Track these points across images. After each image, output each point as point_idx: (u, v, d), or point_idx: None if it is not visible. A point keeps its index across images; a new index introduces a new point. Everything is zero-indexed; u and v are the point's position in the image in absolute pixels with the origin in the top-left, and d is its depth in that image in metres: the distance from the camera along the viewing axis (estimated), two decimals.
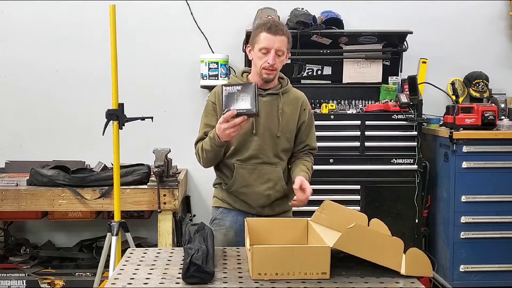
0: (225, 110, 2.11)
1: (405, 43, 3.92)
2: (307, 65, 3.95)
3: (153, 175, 3.38)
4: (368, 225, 1.95)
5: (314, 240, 1.96)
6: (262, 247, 1.74)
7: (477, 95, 4.04)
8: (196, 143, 2.45)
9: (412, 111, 3.66)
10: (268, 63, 2.31)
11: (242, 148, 2.39)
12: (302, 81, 3.97)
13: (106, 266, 3.04)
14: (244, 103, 2.11)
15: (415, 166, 3.67)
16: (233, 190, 2.44)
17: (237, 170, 2.40)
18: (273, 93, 2.42)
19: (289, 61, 3.90)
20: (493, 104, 3.81)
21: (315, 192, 3.64)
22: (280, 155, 2.43)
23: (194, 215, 4.10)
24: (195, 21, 4.06)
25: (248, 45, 2.44)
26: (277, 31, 2.31)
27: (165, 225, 3.39)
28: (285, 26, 2.42)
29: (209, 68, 3.88)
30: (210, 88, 3.96)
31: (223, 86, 2.15)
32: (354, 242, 1.70)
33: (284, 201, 2.50)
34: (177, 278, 1.73)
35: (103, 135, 2.99)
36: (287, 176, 2.49)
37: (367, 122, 3.67)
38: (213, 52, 4.03)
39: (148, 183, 3.43)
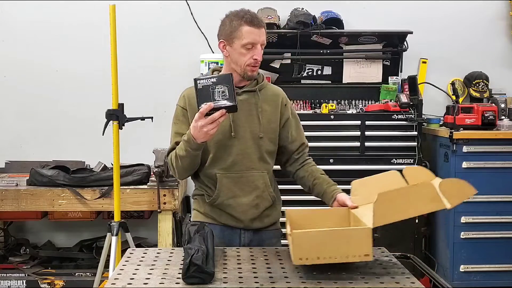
0: (201, 106, 1.90)
1: (405, 43, 3.92)
2: (307, 65, 3.95)
3: (153, 175, 3.38)
4: (403, 176, 1.90)
5: (356, 224, 1.89)
6: (301, 232, 1.70)
7: (477, 95, 4.04)
8: (167, 154, 2.22)
9: (412, 111, 3.66)
10: (255, 59, 2.11)
11: (223, 155, 2.16)
12: (302, 81, 3.97)
13: (106, 266, 3.04)
14: (221, 96, 1.91)
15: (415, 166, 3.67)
16: (218, 203, 2.19)
17: (221, 180, 2.17)
18: (249, 90, 2.20)
19: (288, 61, 3.92)
20: (493, 104, 3.81)
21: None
22: (265, 158, 2.22)
23: None
24: (195, 21, 4.06)
25: (222, 40, 2.17)
26: (259, 23, 2.11)
27: (165, 225, 3.39)
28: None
29: (209, 68, 3.87)
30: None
31: (196, 80, 1.92)
32: (388, 211, 1.65)
33: (273, 211, 2.28)
34: (177, 278, 1.73)
35: (103, 135, 2.99)
36: (275, 183, 2.31)
37: (367, 122, 3.67)
38: (213, 52, 4.02)
39: (148, 183, 3.43)
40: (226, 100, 1.91)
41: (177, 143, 2.15)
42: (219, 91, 1.91)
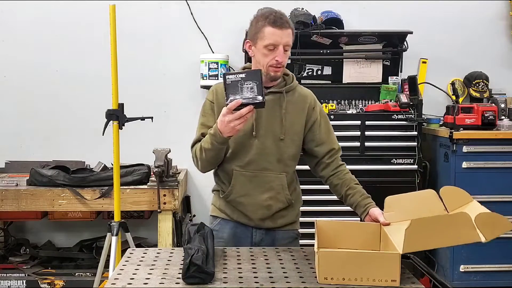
0: (229, 101, 1.91)
1: (405, 43, 3.92)
2: (307, 65, 3.95)
3: (153, 175, 3.38)
4: (440, 196, 1.87)
5: (386, 245, 1.88)
6: (328, 251, 1.69)
7: (477, 95, 4.04)
8: (192, 146, 2.23)
9: (412, 111, 3.66)
10: (277, 60, 2.10)
11: (241, 152, 2.17)
12: (302, 81, 3.96)
13: (106, 266, 3.04)
14: (250, 92, 1.90)
15: (415, 166, 3.67)
16: (230, 199, 2.22)
17: (236, 177, 2.19)
18: (276, 91, 2.19)
19: (289, 61, 3.91)
20: (493, 104, 3.81)
21: (315, 192, 3.66)
22: (284, 160, 2.20)
23: (194, 215, 4.10)
24: (195, 21, 4.06)
25: (248, 40, 2.20)
26: (283, 24, 2.09)
27: (165, 225, 3.39)
28: (287, 17, 2.18)
29: (209, 68, 3.88)
30: (210, 88, 3.96)
31: (225, 75, 1.92)
32: (420, 238, 1.61)
33: (289, 212, 2.26)
34: (177, 278, 1.73)
35: (103, 135, 2.99)
36: (295, 186, 2.29)
37: (367, 122, 3.67)
38: (213, 52, 4.03)
39: (148, 183, 3.43)
40: (254, 96, 1.90)
41: (202, 135, 2.17)
42: (247, 87, 1.91)
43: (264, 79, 2.13)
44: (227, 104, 1.91)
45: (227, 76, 1.92)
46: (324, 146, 2.25)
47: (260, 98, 1.90)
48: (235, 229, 2.24)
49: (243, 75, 1.91)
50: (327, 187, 3.65)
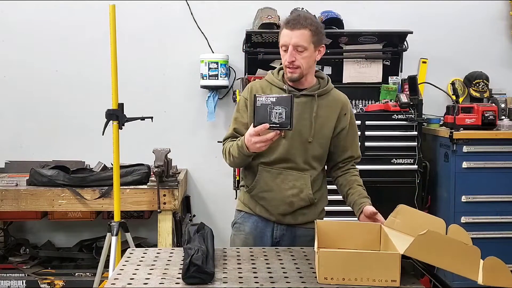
0: (257, 123, 1.95)
1: (405, 43, 3.92)
2: None
3: (153, 175, 3.38)
4: (447, 231, 1.88)
5: (386, 246, 1.88)
6: (328, 251, 1.70)
7: (477, 95, 4.04)
8: (224, 140, 2.32)
9: (412, 111, 3.66)
10: (287, 60, 2.16)
11: (268, 150, 2.18)
12: None
13: (106, 266, 3.04)
14: (278, 117, 1.94)
15: (415, 166, 3.67)
16: (253, 194, 2.28)
17: (261, 173, 2.25)
18: (308, 94, 2.23)
19: None
20: (493, 104, 3.81)
21: None
22: (310, 162, 2.25)
23: (194, 215, 4.10)
24: (195, 21, 4.06)
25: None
26: (295, 25, 2.13)
27: (165, 225, 3.39)
28: (310, 18, 2.18)
29: (209, 68, 3.88)
30: (210, 88, 3.97)
31: (256, 97, 1.95)
32: (426, 249, 1.62)
33: (311, 211, 2.30)
34: (177, 278, 1.73)
35: (103, 135, 2.99)
36: (320, 184, 2.32)
37: (367, 122, 3.67)
38: (213, 52, 4.02)
39: (148, 183, 3.43)
40: (282, 122, 1.94)
41: (235, 130, 2.27)
42: (276, 112, 1.94)
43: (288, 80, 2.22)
44: (254, 125, 1.96)
45: (257, 98, 1.95)
46: (345, 153, 2.33)
47: (287, 125, 1.94)
48: (257, 223, 2.30)
49: (273, 99, 1.94)
50: (328, 187, 3.66)
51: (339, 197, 3.52)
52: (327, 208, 3.51)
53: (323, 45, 2.25)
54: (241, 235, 2.32)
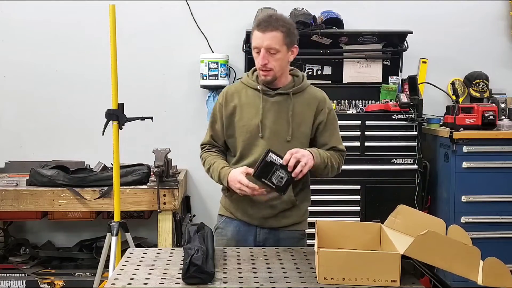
0: (257, 174, 2.02)
1: (405, 43, 3.92)
2: (307, 65, 3.95)
3: (153, 175, 3.38)
4: (446, 232, 1.88)
5: (386, 246, 1.88)
6: (328, 251, 1.69)
7: (477, 95, 4.03)
8: (202, 146, 2.35)
9: (412, 111, 3.66)
10: (260, 63, 2.14)
11: (248, 153, 2.20)
12: None
13: (106, 266, 3.04)
14: (278, 180, 2.01)
15: (415, 166, 3.67)
16: (234, 198, 2.25)
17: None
18: (283, 93, 2.21)
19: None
20: (493, 104, 3.81)
21: (315, 192, 3.64)
22: None
23: (194, 215, 4.10)
24: (195, 21, 4.06)
25: None
26: (266, 27, 2.10)
27: (165, 225, 3.39)
28: (282, 20, 2.16)
29: (209, 68, 3.88)
30: (210, 88, 3.97)
31: (269, 151, 2.01)
32: (426, 249, 1.61)
33: (293, 213, 2.26)
34: (177, 278, 1.72)
35: (103, 135, 2.99)
36: (302, 185, 2.28)
37: (367, 122, 3.67)
38: (213, 52, 4.02)
39: (148, 183, 3.43)
40: (279, 186, 2.02)
41: (212, 137, 2.32)
42: (278, 175, 2.02)
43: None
44: (254, 174, 2.02)
45: (270, 154, 2.02)
46: (327, 146, 2.27)
47: (281, 191, 2.04)
48: (239, 228, 2.27)
49: (282, 162, 2.02)
50: (328, 187, 3.68)
51: (324, 197, 3.56)
52: (323, 209, 3.55)
53: (296, 46, 2.22)
54: (223, 240, 2.28)
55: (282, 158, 2.02)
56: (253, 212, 2.23)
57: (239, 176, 2.09)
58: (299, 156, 2.04)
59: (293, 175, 2.03)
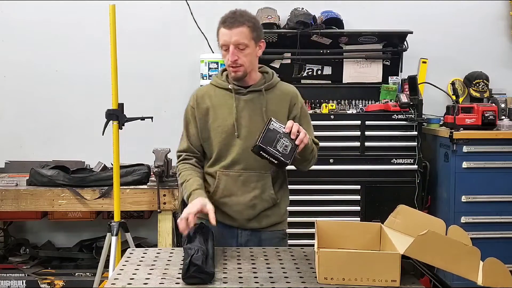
0: (263, 141, 1.94)
1: (405, 43, 3.92)
2: (307, 65, 3.95)
3: (153, 175, 3.38)
4: (446, 232, 1.88)
5: (386, 246, 1.87)
6: (328, 251, 1.69)
7: (477, 95, 4.04)
8: (179, 154, 2.28)
9: (412, 111, 3.66)
10: (230, 60, 2.12)
11: (225, 153, 2.18)
12: (302, 81, 3.97)
13: (106, 266, 3.04)
14: (283, 148, 1.95)
15: (415, 166, 3.67)
16: (214, 200, 2.18)
17: (220, 178, 2.20)
18: (255, 90, 2.20)
19: (288, 61, 3.92)
20: (493, 104, 3.81)
21: (315, 192, 3.65)
22: None
23: None
24: (195, 21, 4.06)
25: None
26: (232, 24, 2.11)
27: (165, 225, 3.39)
28: (247, 15, 2.17)
29: (209, 68, 3.87)
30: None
31: (271, 120, 1.98)
32: (426, 249, 1.61)
33: (274, 212, 2.25)
34: (177, 278, 1.72)
35: (103, 135, 2.99)
36: (281, 183, 2.28)
37: (367, 122, 3.67)
38: (213, 52, 4.02)
39: (148, 183, 3.43)
40: (284, 154, 1.95)
41: (190, 142, 2.25)
42: (283, 143, 1.96)
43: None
44: (258, 143, 1.93)
45: (272, 122, 1.98)
46: None
47: (287, 159, 1.96)
48: (220, 230, 2.21)
49: (286, 130, 1.98)
50: (328, 187, 3.68)
51: (324, 197, 3.56)
52: (323, 209, 3.55)
53: (263, 40, 2.22)
54: None
55: (284, 126, 1.98)
56: (234, 214, 2.21)
57: (189, 211, 1.99)
58: (298, 125, 2.03)
59: (297, 142, 1.99)
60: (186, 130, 2.28)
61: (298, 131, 2.00)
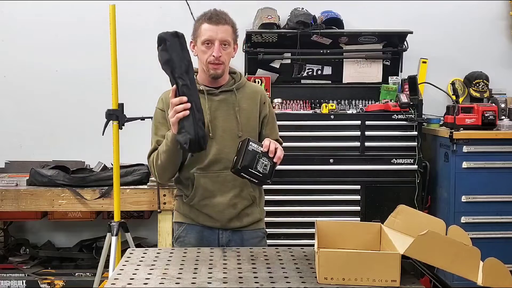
0: (243, 164, 1.98)
1: (405, 43, 3.92)
2: (307, 65, 3.95)
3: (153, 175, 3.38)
4: (446, 232, 1.88)
5: (386, 246, 1.87)
6: (329, 251, 1.69)
7: (477, 95, 4.03)
8: (149, 156, 2.22)
9: (412, 111, 3.66)
10: (213, 56, 2.13)
11: (200, 155, 2.16)
12: (302, 81, 3.97)
13: (106, 266, 3.05)
14: (263, 168, 2.00)
15: (415, 166, 3.67)
16: (194, 203, 2.22)
17: (198, 180, 2.19)
18: (226, 90, 2.24)
19: (288, 61, 3.92)
20: (493, 104, 3.81)
21: (315, 192, 3.64)
22: None
23: None
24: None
25: (191, 40, 2.23)
26: (219, 21, 2.14)
27: (165, 225, 3.39)
28: (228, 15, 2.22)
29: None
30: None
31: (249, 141, 2.01)
32: (426, 249, 1.61)
33: (254, 210, 2.28)
34: (177, 278, 1.72)
35: (103, 135, 2.99)
36: None
37: (367, 122, 3.67)
38: None
39: (148, 183, 3.43)
40: (265, 173, 2.00)
41: (158, 143, 2.19)
42: (262, 163, 2.01)
43: (208, 79, 2.21)
44: (239, 166, 1.97)
45: (250, 143, 2.01)
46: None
47: (267, 178, 2.01)
48: (202, 233, 2.25)
49: (264, 150, 2.01)
50: (328, 187, 3.68)
51: (324, 197, 3.57)
52: (322, 209, 3.54)
53: (237, 43, 2.27)
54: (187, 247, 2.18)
55: (261, 145, 2.02)
56: (215, 215, 2.22)
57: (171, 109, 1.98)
58: (274, 142, 2.06)
59: (275, 160, 2.02)
60: (156, 133, 2.23)
61: (275, 148, 2.03)
